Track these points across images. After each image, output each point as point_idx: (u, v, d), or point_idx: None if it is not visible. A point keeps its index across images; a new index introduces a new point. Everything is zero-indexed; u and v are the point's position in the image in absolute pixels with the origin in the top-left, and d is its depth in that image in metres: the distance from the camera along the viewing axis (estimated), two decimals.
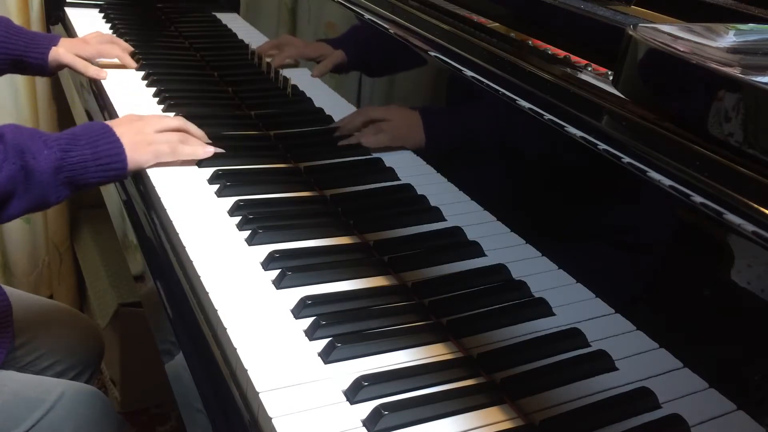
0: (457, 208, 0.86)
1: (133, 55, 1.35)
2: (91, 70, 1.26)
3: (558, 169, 0.73)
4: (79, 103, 1.32)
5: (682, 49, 0.56)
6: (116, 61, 1.34)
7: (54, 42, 1.25)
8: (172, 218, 0.88)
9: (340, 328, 0.72)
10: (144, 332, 1.55)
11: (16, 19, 1.68)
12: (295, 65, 1.23)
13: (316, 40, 1.18)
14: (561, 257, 0.72)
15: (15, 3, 1.68)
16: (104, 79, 1.27)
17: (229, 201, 0.92)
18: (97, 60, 1.32)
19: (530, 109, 0.72)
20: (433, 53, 0.87)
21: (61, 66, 1.27)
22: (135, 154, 0.93)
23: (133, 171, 0.96)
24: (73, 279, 1.98)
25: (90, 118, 1.24)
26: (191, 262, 0.80)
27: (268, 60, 1.27)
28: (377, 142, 0.98)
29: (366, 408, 0.63)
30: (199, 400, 0.69)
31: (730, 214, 0.52)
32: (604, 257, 0.68)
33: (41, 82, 1.75)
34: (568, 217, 0.72)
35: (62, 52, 1.24)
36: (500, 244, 0.79)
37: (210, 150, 1.01)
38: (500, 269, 0.78)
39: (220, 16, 1.57)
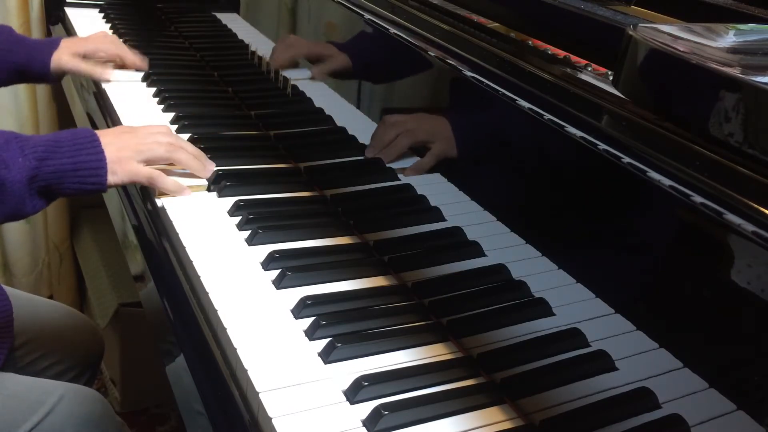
0: (457, 208, 0.86)
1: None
2: (98, 71, 1.25)
3: (558, 169, 0.73)
4: (79, 104, 1.32)
5: (682, 49, 0.56)
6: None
7: (55, 45, 1.24)
8: (172, 218, 0.88)
9: (340, 328, 0.72)
10: (144, 332, 1.55)
11: (16, 19, 1.69)
12: (295, 66, 1.23)
13: (321, 42, 1.19)
14: (561, 257, 0.72)
15: (15, 3, 1.68)
16: (108, 80, 1.26)
17: (229, 201, 0.92)
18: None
19: (530, 109, 0.72)
20: (433, 53, 0.87)
21: (65, 73, 1.26)
22: (115, 170, 0.89)
23: (111, 187, 0.91)
24: (73, 279, 1.98)
25: (90, 118, 1.24)
26: (191, 262, 0.80)
27: (277, 65, 1.27)
28: (422, 166, 0.94)
29: (366, 408, 0.63)
30: (199, 400, 0.69)
31: (730, 214, 0.52)
32: (604, 257, 0.68)
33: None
34: (568, 217, 0.72)
35: (65, 59, 1.22)
36: (500, 244, 0.79)
37: (187, 191, 0.94)
38: (500, 269, 0.78)
39: (220, 16, 1.57)
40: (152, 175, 0.92)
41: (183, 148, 0.95)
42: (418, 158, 0.94)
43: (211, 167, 0.97)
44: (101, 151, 0.88)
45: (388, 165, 0.97)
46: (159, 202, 0.92)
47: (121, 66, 1.31)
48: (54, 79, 1.26)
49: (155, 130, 0.96)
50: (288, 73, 1.22)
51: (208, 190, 0.96)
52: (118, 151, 0.90)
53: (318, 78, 1.17)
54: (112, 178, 0.89)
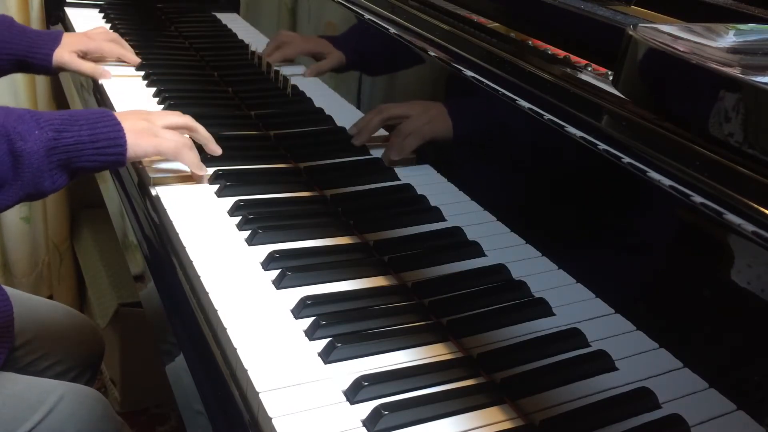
0: (457, 208, 0.86)
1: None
2: (98, 71, 1.26)
3: (558, 169, 0.73)
4: (79, 103, 1.32)
5: (682, 49, 0.56)
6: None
7: (57, 41, 1.24)
8: (172, 218, 0.88)
9: (340, 328, 0.72)
10: (144, 332, 1.55)
11: (16, 19, 1.68)
12: (293, 62, 1.23)
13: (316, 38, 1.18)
14: (561, 257, 0.72)
15: (15, 3, 1.68)
16: (109, 77, 1.27)
17: (229, 201, 0.92)
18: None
19: (530, 109, 0.72)
20: (433, 53, 0.87)
21: (66, 70, 1.26)
22: (136, 142, 0.88)
23: (132, 160, 0.91)
24: (73, 279, 1.98)
25: None
26: (191, 262, 0.80)
27: (269, 59, 1.27)
28: (409, 146, 0.93)
29: (366, 408, 0.63)
30: (199, 400, 0.69)
31: (730, 214, 0.52)
32: (604, 257, 0.68)
33: (41, 82, 1.75)
34: (568, 217, 0.72)
35: (68, 57, 1.23)
36: (500, 244, 0.79)
37: (204, 171, 0.96)
38: (500, 269, 0.78)
39: (220, 16, 1.57)
40: (178, 146, 0.93)
41: (195, 130, 0.98)
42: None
43: (207, 172, 0.98)
44: (118, 123, 0.88)
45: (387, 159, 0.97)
46: (154, 191, 0.93)
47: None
48: (54, 73, 1.27)
49: (168, 114, 0.98)
50: (288, 73, 1.22)
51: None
52: (135, 123, 0.90)
53: (309, 75, 1.17)
54: (132, 150, 0.89)
